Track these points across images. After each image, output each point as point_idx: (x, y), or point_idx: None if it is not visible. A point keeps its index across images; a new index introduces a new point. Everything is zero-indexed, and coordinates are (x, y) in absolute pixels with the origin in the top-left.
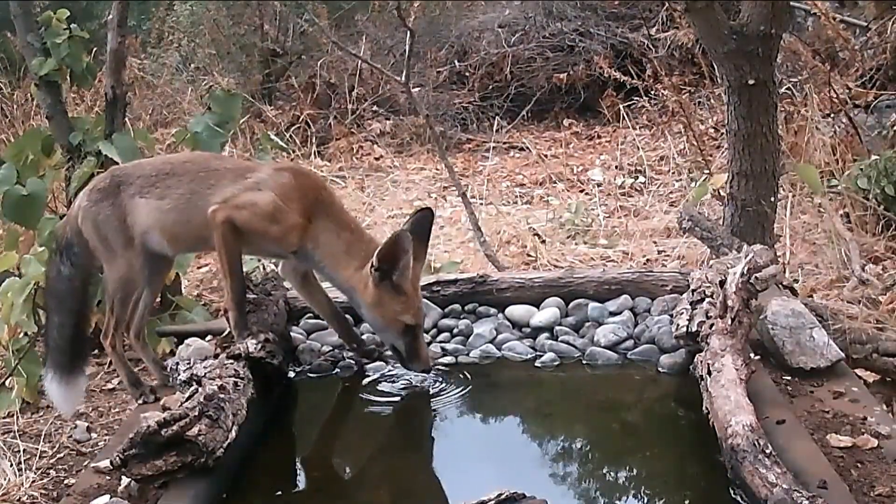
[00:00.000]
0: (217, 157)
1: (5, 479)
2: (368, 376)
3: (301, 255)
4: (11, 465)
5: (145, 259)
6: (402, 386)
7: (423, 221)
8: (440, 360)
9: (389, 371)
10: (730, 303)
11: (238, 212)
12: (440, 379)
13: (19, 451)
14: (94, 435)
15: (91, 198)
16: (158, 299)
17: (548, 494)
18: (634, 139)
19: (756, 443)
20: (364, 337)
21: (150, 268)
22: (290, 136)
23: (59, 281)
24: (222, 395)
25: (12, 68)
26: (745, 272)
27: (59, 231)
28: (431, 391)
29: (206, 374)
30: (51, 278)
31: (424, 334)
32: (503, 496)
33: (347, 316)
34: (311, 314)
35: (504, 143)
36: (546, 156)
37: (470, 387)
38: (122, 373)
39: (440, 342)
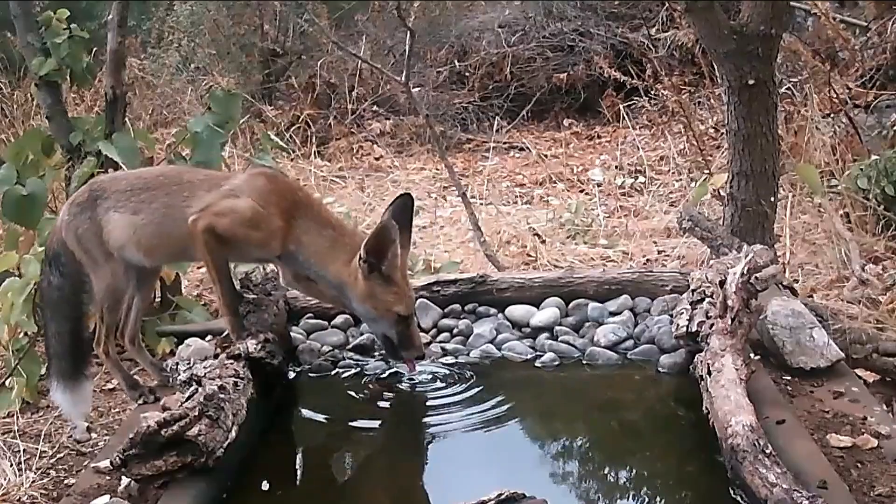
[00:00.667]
0: (189, 170)
1: (5, 479)
2: (368, 375)
3: (286, 258)
4: (11, 465)
5: (129, 268)
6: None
7: (403, 208)
8: (439, 361)
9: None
10: (730, 303)
11: (218, 219)
12: (444, 378)
13: (19, 451)
14: (94, 435)
15: (70, 211)
16: (158, 299)
17: (548, 494)
18: (634, 139)
19: (756, 443)
20: (364, 336)
21: (137, 275)
22: (290, 136)
23: (51, 290)
24: (222, 395)
25: (12, 68)
26: (745, 272)
27: (48, 243)
28: (431, 389)
29: (206, 374)
30: (43, 288)
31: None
32: (503, 496)
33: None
34: (311, 314)
35: (504, 143)
36: (546, 156)
37: (469, 385)
38: (119, 378)
39: (440, 342)
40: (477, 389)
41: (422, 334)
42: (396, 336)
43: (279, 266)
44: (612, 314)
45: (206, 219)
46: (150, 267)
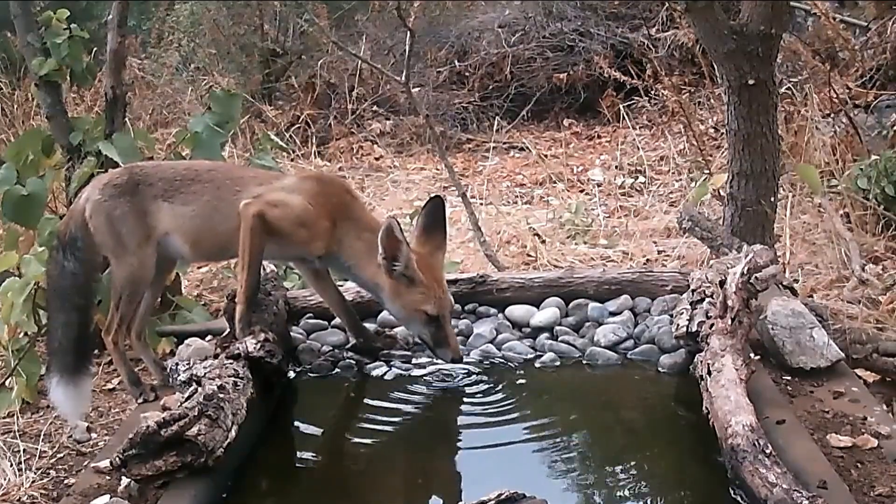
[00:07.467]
0: (240, 168)
1: (5, 479)
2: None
3: (327, 258)
4: (11, 465)
5: (158, 260)
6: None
7: (434, 210)
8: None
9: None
10: (730, 303)
11: (270, 208)
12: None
13: (19, 451)
14: (94, 435)
15: (105, 193)
16: (158, 299)
17: (548, 494)
18: (634, 139)
19: (756, 443)
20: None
21: (156, 269)
22: (290, 136)
23: (63, 277)
24: (222, 395)
25: (12, 68)
26: (745, 272)
27: (62, 227)
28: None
29: (205, 374)
30: (53, 276)
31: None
32: (503, 496)
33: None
34: (311, 314)
35: (504, 143)
36: (546, 156)
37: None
38: (123, 370)
39: None
40: (478, 389)
41: None
42: (429, 336)
43: (303, 265)
44: (612, 314)
45: (259, 205)
46: (188, 260)
